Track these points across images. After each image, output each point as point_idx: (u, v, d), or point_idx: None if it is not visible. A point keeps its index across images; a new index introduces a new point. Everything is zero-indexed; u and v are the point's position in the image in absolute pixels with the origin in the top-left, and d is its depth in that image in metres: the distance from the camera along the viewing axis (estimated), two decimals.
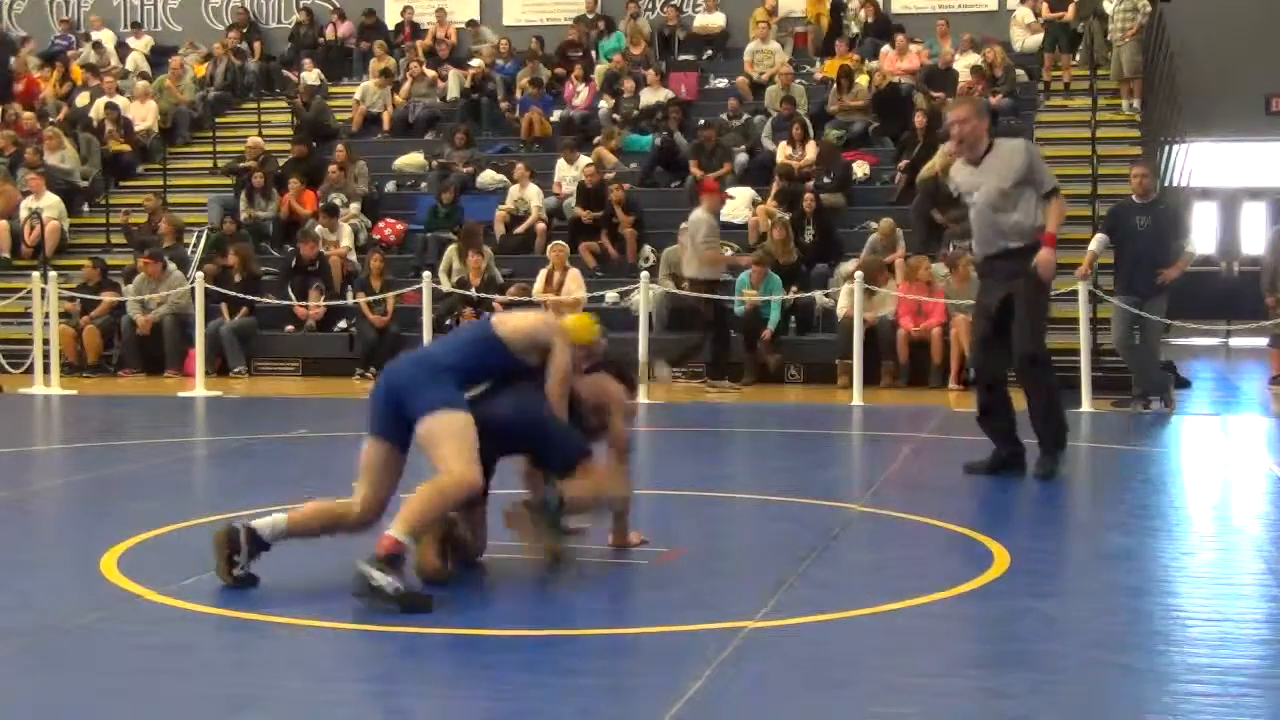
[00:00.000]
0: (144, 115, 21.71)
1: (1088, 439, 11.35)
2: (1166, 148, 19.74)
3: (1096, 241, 12.86)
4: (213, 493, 8.92)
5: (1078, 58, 20.28)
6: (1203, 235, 21.08)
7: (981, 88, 19.28)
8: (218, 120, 22.35)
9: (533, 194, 18.23)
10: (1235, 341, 18.65)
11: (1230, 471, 9.80)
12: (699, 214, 14.93)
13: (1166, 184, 18.79)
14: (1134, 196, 12.72)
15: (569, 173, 18.61)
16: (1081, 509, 8.46)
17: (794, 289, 15.63)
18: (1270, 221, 18.31)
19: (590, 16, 22.87)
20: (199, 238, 18.57)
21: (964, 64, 19.86)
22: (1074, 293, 13.06)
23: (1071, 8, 20.25)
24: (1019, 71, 20.27)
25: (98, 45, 24.10)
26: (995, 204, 8.66)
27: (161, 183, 20.49)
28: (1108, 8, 19.88)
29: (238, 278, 16.72)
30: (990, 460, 8.74)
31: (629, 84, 20.55)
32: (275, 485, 8.52)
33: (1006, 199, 8.63)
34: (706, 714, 4.20)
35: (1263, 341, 18.08)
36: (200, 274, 15.62)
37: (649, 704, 4.24)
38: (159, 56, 24.00)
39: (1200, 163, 21.75)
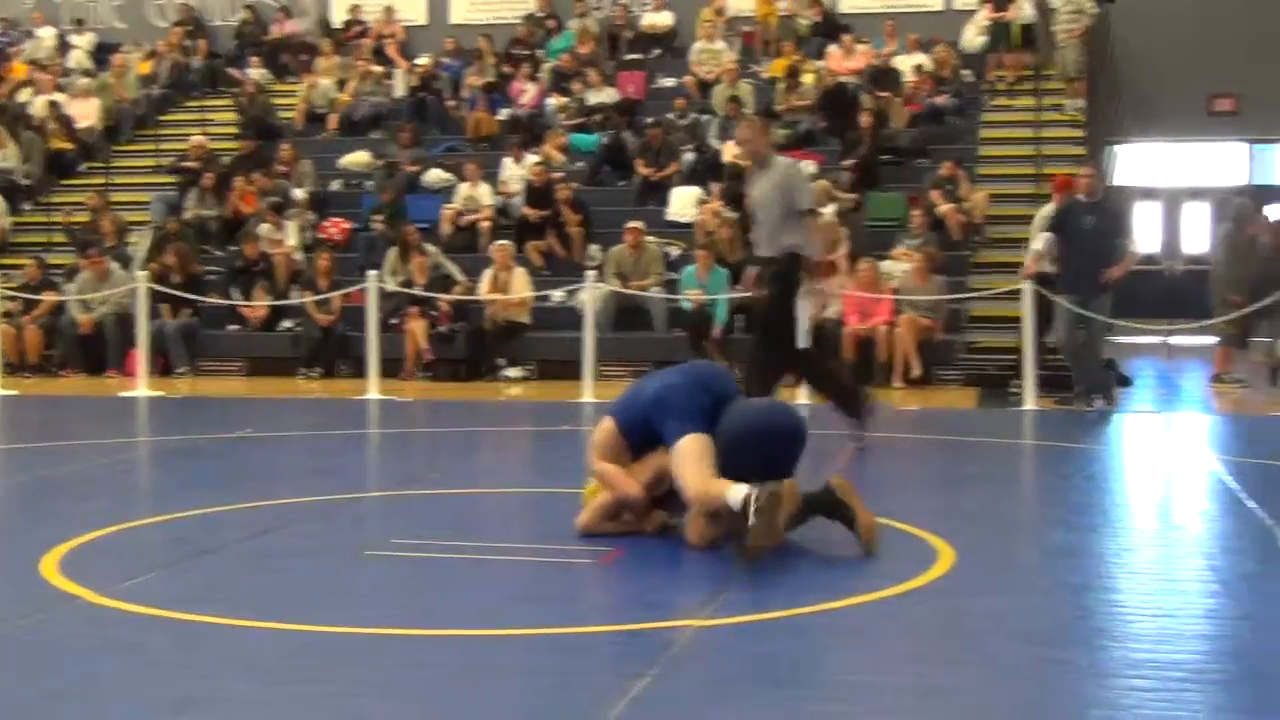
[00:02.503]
0: (87, 113, 21.53)
1: (1031, 436, 11.43)
2: (1110, 148, 19.92)
3: (1042, 240, 12.94)
4: (156, 494, 8.85)
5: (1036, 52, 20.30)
6: (1145, 235, 21.27)
7: (927, 86, 19.40)
8: (161, 118, 22.20)
9: (484, 193, 18.19)
10: (1176, 340, 18.83)
11: (1172, 468, 9.88)
12: None
13: (1110, 184, 18.98)
14: (1080, 196, 12.80)
15: (516, 171, 18.57)
16: (1025, 506, 8.51)
17: (740, 287, 15.63)
18: (1213, 221, 18.48)
19: (539, 15, 22.84)
20: (142, 237, 18.41)
21: (909, 64, 19.97)
22: (1018, 291, 13.16)
23: (1012, 7, 20.37)
24: (965, 71, 20.41)
25: (41, 42, 23.88)
26: (765, 215, 9.62)
27: (104, 181, 20.33)
28: (1054, 4, 20.01)
29: (179, 277, 16.59)
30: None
31: (581, 83, 20.52)
32: (219, 486, 8.45)
33: (769, 212, 9.57)
34: (651, 713, 4.20)
35: (1204, 340, 18.29)
36: (143, 273, 15.49)
37: (593, 703, 4.23)
38: (102, 54, 23.80)
39: (1143, 163, 21.95)
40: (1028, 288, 13.01)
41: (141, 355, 14.81)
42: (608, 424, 6.66)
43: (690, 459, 6.29)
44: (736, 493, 6.04)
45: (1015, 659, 4.81)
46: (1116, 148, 21.88)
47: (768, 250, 9.65)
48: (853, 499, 6.35)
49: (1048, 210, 13.88)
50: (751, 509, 5.91)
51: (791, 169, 9.94)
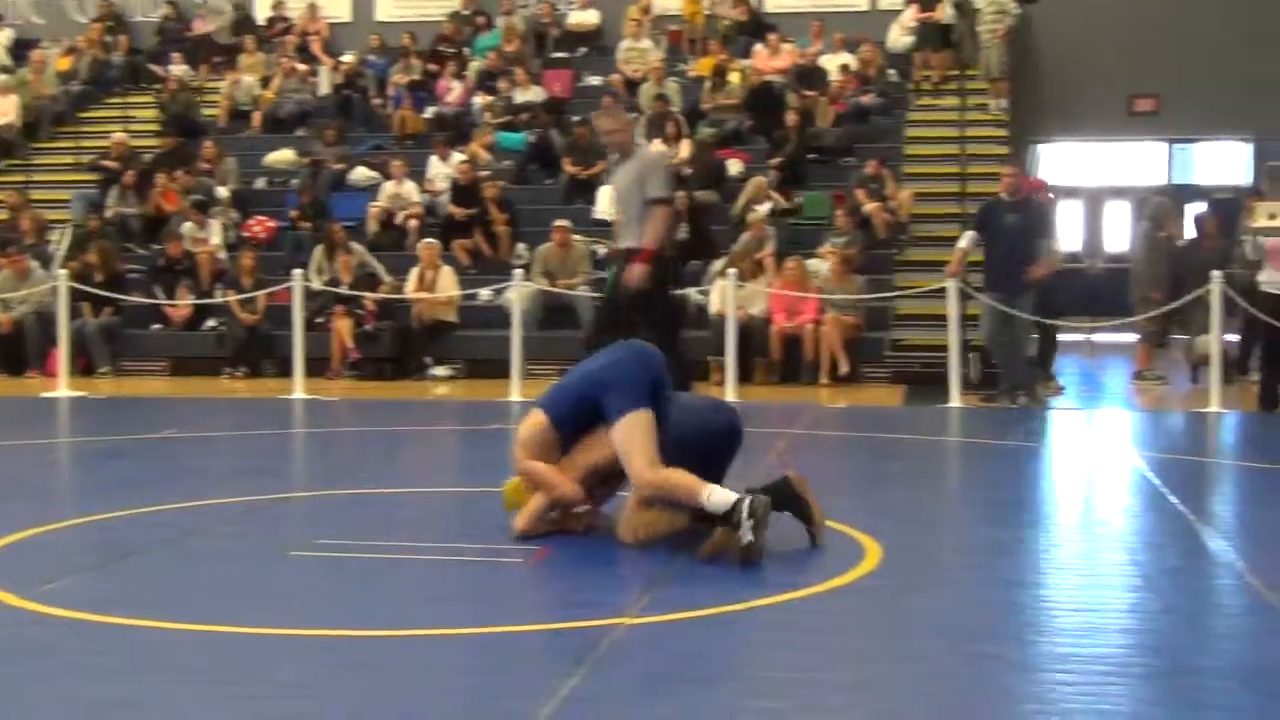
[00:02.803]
0: (5, 110, 21.21)
1: (957, 434, 11.52)
2: (1033, 147, 20.10)
3: (966, 239, 13.05)
4: (78, 495, 8.73)
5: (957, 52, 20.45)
6: (1068, 233, 21.50)
7: (852, 86, 19.51)
8: (81, 115, 21.92)
9: (410, 190, 18.11)
10: (1099, 337, 19.05)
11: (1095, 465, 9.99)
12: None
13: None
14: (1003, 195, 12.92)
15: (442, 170, 18.50)
16: (951, 503, 8.58)
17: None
18: (1134, 220, 18.69)
19: (465, 13, 22.75)
20: (63, 235, 18.18)
21: (834, 63, 20.07)
22: (944, 289, 13.26)
23: (940, 7, 20.52)
24: (890, 71, 20.54)
25: None
26: (626, 206, 9.70)
27: (24, 178, 20.04)
28: (978, 4, 20.17)
29: (100, 276, 16.39)
30: None
31: (508, 81, 20.45)
32: (143, 487, 8.36)
33: (630, 203, 9.65)
34: (582, 712, 4.19)
35: (1125, 337, 18.51)
36: (63, 272, 15.29)
37: (522, 703, 4.21)
38: (20, 50, 23.46)
39: (1065, 162, 22.17)
40: (953, 286, 13.11)
41: (63, 355, 14.61)
42: (537, 418, 6.54)
43: (638, 436, 6.25)
44: (723, 497, 6.02)
45: (942, 654, 4.84)
46: (1039, 147, 22.12)
47: (631, 241, 9.73)
48: (808, 494, 6.38)
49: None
50: (745, 517, 5.91)
51: (652, 159, 9.98)
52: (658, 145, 18.07)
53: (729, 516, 5.96)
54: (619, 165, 9.86)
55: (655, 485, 6.23)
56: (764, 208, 16.73)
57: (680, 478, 6.17)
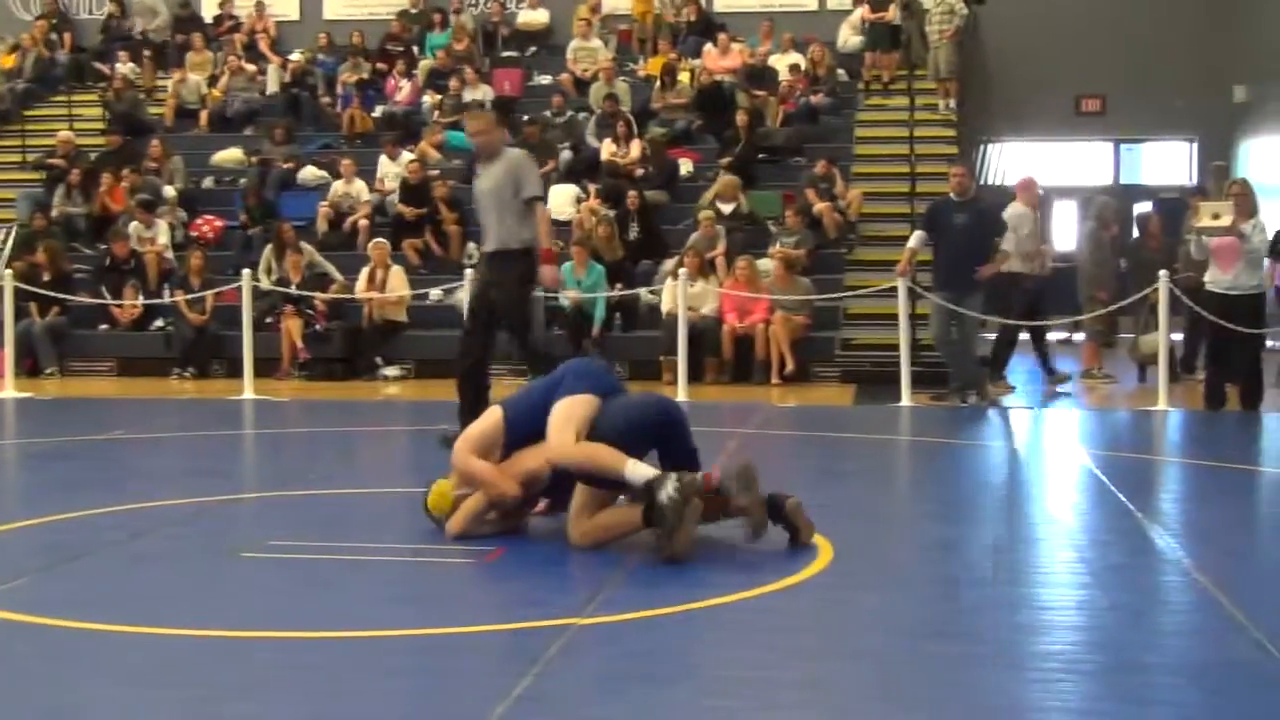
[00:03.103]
0: None
1: (907, 433, 11.58)
2: (982, 147, 20.20)
3: (915, 238, 13.10)
4: (25, 497, 8.63)
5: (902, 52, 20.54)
6: (1061, 232, 21.67)
7: (802, 86, 19.57)
8: (26, 113, 21.71)
9: (359, 189, 18.04)
10: (1050, 336, 19.18)
11: (1044, 463, 10.07)
12: (1019, 209, 14.31)
13: (982, 183, 19.28)
14: (952, 195, 12.98)
15: (391, 169, 18.43)
16: (901, 502, 8.63)
17: (619, 286, 15.67)
18: (1080, 219, 18.81)
19: (414, 11, 22.67)
20: (8, 234, 18.00)
21: (784, 63, 20.12)
22: (894, 289, 13.32)
23: (892, 7, 20.62)
24: (839, 71, 20.60)
25: None
26: (495, 207, 9.57)
27: None
28: (926, 5, 20.27)
29: (47, 276, 16.24)
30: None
31: (458, 80, 20.40)
32: (92, 488, 8.30)
33: (503, 205, 9.54)
34: (535, 711, 4.19)
35: (1069, 336, 18.65)
36: (9, 271, 15.14)
37: (476, 703, 4.21)
38: None
39: (1013, 161, 22.29)
40: (902, 285, 13.16)
41: (7, 355, 14.47)
42: (494, 414, 6.64)
43: (576, 411, 6.32)
44: (644, 470, 6.08)
45: (894, 652, 4.87)
46: (988, 146, 22.24)
47: (495, 243, 9.66)
48: (799, 518, 6.46)
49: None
50: (668, 493, 5.94)
51: (522, 159, 9.91)
52: (608, 145, 18.12)
53: (650, 489, 5.99)
54: (485, 167, 9.76)
55: (577, 456, 6.26)
56: (729, 206, 16.73)
57: (602, 451, 6.20)
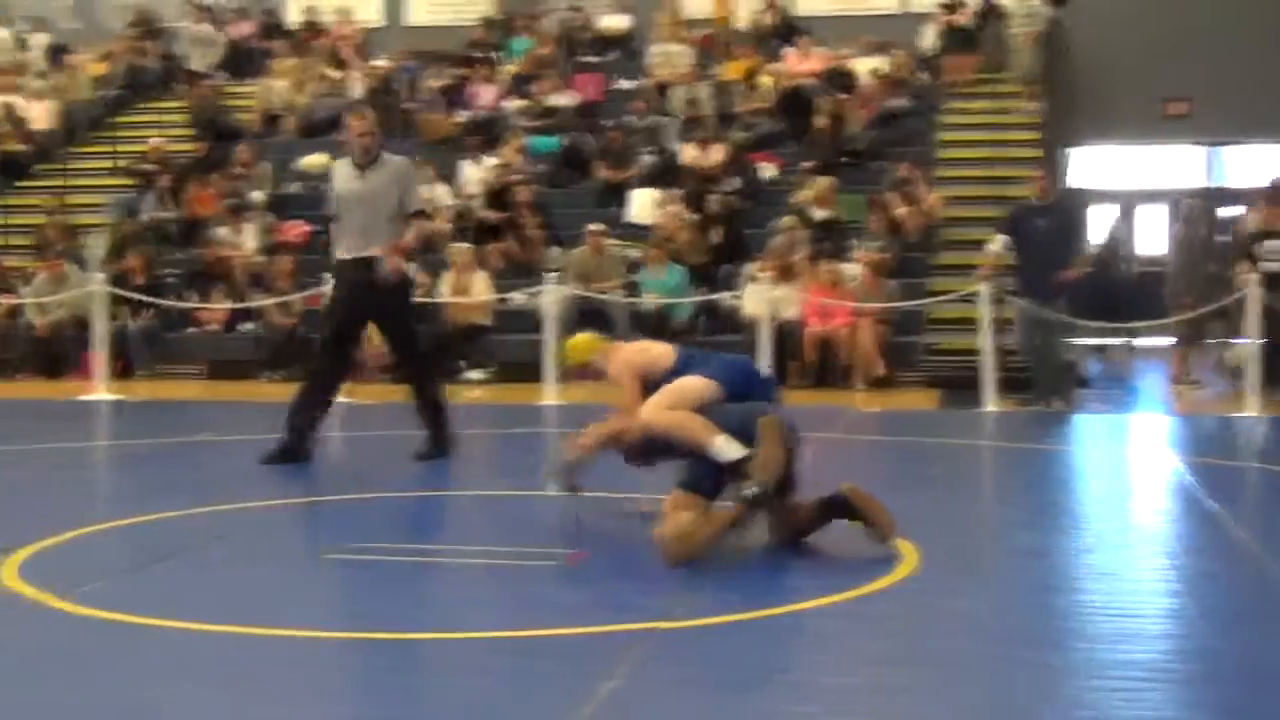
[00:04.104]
0: (41, 115, 21.35)
1: (992, 438, 11.49)
2: (1065, 150, 19.99)
3: (997, 243, 13.01)
4: (115, 498, 8.78)
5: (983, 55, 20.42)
6: (1101, 238, 21.37)
7: (883, 90, 19.46)
8: (117, 120, 22.03)
9: (442, 195, 18.15)
10: (1140, 342, 18.97)
11: (1132, 469, 9.95)
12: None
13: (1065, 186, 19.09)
14: (1034, 199, 12.87)
15: (474, 174, 18.53)
16: (988, 507, 8.56)
17: (704, 289, 15.67)
18: (1170, 223, 18.60)
19: (497, 18, 22.79)
20: (100, 239, 18.28)
21: (865, 67, 20.02)
22: (976, 294, 13.22)
23: (966, 11, 20.47)
24: (921, 74, 20.48)
25: None
26: (371, 212, 9.22)
27: (61, 183, 20.16)
28: (1010, 7, 20.11)
29: (139, 279, 16.48)
30: (276, 448, 9.30)
31: (540, 85, 20.47)
32: (179, 489, 8.40)
33: (381, 211, 9.22)
34: (618, 715, 4.20)
35: (1164, 341, 18.40)
36: (101, 275, 15.37)
37: (560, 706, 4.22)
38: (57, 55, 23.59)
39: (1098, 165, 22.08)
40: (985, 290, 13.06)
41: (101, 358, 14.69)
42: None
43: (687, 388, 6.38)
44: (735, 448, 6.09)
45: (977, 659, 4.83)
46: (1071, 150, 22.03)
47: (367, 249, 9.24)
48: (868, 503, 6.44)
49: None
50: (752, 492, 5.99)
51: (409, 168, 9.66)
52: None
53: (738, 468, 5.99)
54: (360, 169, 9.28)
55: (664, 423, 6.29)
56: (824, 212, 16.65)
57: (692, 421, 6.20)
